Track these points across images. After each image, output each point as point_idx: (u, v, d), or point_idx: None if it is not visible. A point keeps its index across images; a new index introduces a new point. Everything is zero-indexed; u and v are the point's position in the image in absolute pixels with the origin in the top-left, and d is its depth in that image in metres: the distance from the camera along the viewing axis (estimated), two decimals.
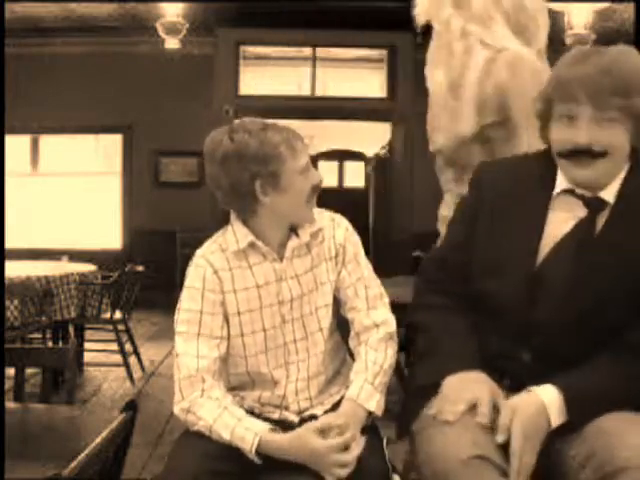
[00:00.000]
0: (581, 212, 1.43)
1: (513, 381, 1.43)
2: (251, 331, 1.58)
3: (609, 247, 1.39)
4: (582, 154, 1.37)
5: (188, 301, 1.56)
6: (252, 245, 1.57)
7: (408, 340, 1.63)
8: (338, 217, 1.69)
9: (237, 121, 1.56)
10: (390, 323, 1.64)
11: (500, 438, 1.28)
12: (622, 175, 1.43)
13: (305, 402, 1.61)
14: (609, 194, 1.42)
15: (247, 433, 1.42)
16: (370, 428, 1.55)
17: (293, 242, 1.59)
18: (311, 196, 1.56)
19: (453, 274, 1.53)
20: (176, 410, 1.53)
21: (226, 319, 1.56)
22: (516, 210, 1.48)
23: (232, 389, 1.61)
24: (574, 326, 1.39)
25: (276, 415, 1.59)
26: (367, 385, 1.55)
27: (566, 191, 1.45)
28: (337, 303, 1.67)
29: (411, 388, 1.59)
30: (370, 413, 1.54)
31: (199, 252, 1.61)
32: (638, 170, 1.44)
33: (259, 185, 1.49)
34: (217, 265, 1.56)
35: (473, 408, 1.31)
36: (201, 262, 1.57)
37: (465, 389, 1.34)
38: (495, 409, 1.32)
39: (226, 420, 1.45)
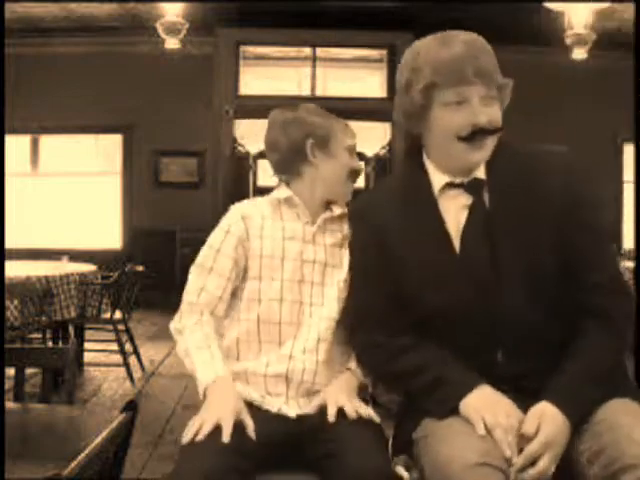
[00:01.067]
0: (464, 198, 1.46)
1: (496, 387, 1.43)
2: (270, 277, 1.64)
3: (507, 228, 1.42)
4: (479, 134, 1.39)
5: (212, 238, 1.70)
6: (289, 201, 1.70)
7: None
8: None
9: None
10: None
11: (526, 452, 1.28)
12: None
13: (311, 365, 1.59)
14: (480, 172, 1.46)
15: (209, 370, 1.53)
16: (374, 427, 1.55)
17: (326, 214, 1.70)
18: (351, 177, 1.71)
19: (395, 307, 1.49)
20: (171, 326, 1.67)
21: (247, 264, 1.66)
22: (413, 224, 1.47)
23: (239, 363, 1.62)
24: (526, 305, 1.41)
25: (277, 405, 1.57)
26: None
27: (444, 185, 1.47)
28: None
29: (405, 402, 1.59)
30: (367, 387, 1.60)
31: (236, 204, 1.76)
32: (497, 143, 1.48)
33: (310, 144, 1.68)
34: (247, 212, 1.70)
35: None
36: (233, 210, 1.73)
37: (498, 415, 1.32)
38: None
39: (203, 353, 1.56)
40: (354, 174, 1.73)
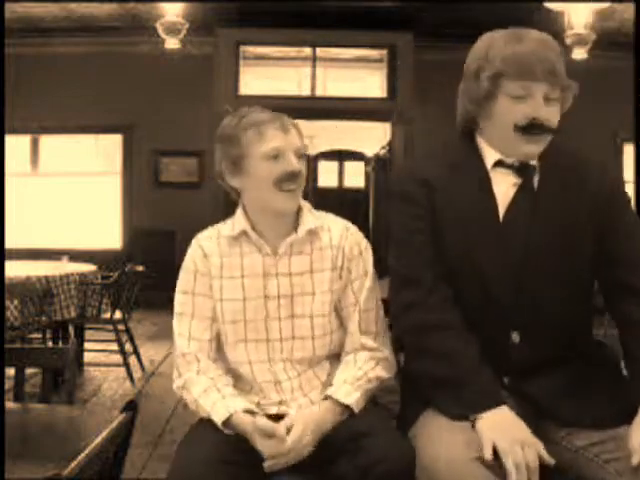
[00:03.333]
0: (514, 178, 1.51)
1: (509, 374, 1.47)
2: (232, 320, 1.58)
3: (550, 211, 1.48)
4: (535, 128, 1.44)
5: (183, 283, 1.62)
6: (245, 234, 1.58)
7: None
8: (354, 228, 1.65)
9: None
10: (383, 352, 1.60)
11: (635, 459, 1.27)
12: None
13: (304, 400, 1.58)
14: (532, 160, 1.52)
15: (222, 409, 1.47)
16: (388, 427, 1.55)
17: (290, 238, 1.57)
18: (281, 184, 1.52)
19: (437, 272, 1.49)
20: (174, 387, 1.61)
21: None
22: (463, 190, 1.51)
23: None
24: (550, 288, 1.46)
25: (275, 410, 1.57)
26: (346, 385, 1.53)
27: (495, 163, 1.52)
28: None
29: (407, 396, 1.60)
30: (347, 407, 1.51)
31: (197, 235, 1.65)
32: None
33: (225, 170, 1.57)
34: (207, 250, 1.60)
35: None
36: (195, 246, 1.62)
37: (512, 445, 1.28)
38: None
39: (212, 395, 1.51)
40: (285, 179, 1.52)
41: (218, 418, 1.47)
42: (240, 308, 1.57)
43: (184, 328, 1.59)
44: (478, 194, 1.50)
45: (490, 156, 1.53)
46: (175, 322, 1.61)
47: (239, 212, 1.61)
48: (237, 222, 1.59)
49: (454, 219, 1.49)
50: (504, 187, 1.51)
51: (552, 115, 1.45)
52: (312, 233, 1.59)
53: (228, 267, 1.58)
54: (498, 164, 1.52)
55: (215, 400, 1.50)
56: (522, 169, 1.51)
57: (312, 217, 1.61)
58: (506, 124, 1.47)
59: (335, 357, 1.65)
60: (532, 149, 1.47)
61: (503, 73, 1.43)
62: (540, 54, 1.42)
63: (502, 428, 1.31)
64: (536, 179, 1.51)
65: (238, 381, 1.62)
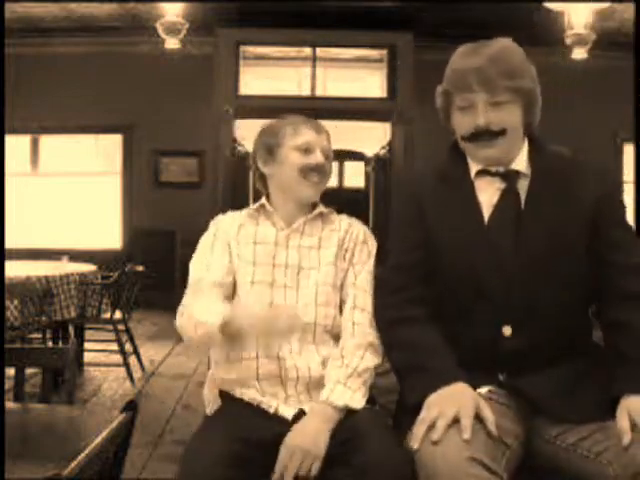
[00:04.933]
0: (499, 184, 1.57)
1: (504, 371, 1.49)
2: (241, 279, 1.68)
3: (537, 214, 1.52)
4: (482, 135, 1.50)
5: (203, 242, 1.75)
6: (263, 208, 1.74)
7: None
8: (361, 224, 1.80)
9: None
10: (369, 335, 1.63)
11: (626, 440, 1.31)
12: (525, 148, 1.59)
13: (303, 364, 1.60)
14: (519, 165, 1.57)
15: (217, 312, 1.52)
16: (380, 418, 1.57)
17: (303, 218, 1.73)
18: (307, 174, 1.69)
19: (413, 275, 1.57)
20: (177, 318, 1.64)
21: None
22: (453, 205, 1.57)
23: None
24: (540, 286, 1.49)
25: (272, 408, 1.58)
26: (338, 386, 1.55)
27: (481, 171, 1.58)
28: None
29: (402, 403, 1.60)
30: (348, 408, 1.53)
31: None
32: (539, 143, 1.62)
33: (258, 157, 1.75)
34: (228, 219, 1.77)
35: (457, 422, 1.33)
36: (217, 218, 1.79)
37: (446, 405, 1.35)
38: (478, 418, 1.34)
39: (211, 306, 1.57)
40: (311, 170, 1.69)
41: (217, 319, 1.50)
42: (250, 270, 1.68)
43: (202, 262, 1.69)
44: (463, 201, 1.56)
45: (474, 164, 1.59)
46: (191, 265, 1.72)
47: (262, 199, 1.77)
48: (258, 203, 1.76)
49: (444, 225, 1.55)
50: (489, 193, 1.56)
51: (499, 118, 1.50)
52: (324, 217, 1.76)
53: (244, 234, 1.72)
54: (483, 172, 1.57)
55: (209, 305, 1.57)
56: (506, 176, 1.55)
57: (324, 208, 1.78)
58: (458, 135, 1.57)
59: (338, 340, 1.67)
60: (489, 153, 1.53)
61: (449, 89, 1.54)
62: (474, 67, 1.48)
63: (447, 395, 1.37)
64: (526, 183, 1.55)
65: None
